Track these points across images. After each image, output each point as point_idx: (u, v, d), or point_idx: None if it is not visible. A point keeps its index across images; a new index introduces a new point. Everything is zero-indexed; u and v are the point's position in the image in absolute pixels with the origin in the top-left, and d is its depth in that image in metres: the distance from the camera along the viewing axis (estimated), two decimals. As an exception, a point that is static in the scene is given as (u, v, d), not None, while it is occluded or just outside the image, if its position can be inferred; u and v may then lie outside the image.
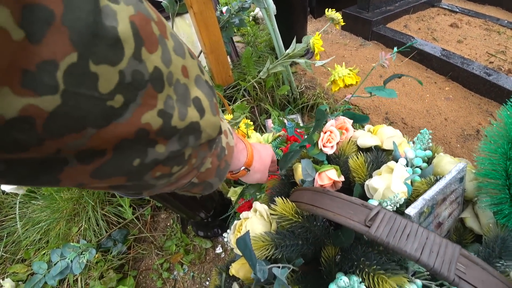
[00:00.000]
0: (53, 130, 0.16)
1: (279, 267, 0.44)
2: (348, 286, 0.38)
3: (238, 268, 0.51)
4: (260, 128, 1.39)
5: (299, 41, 1.69)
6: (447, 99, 1.45)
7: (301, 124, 1.44)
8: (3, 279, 1.09)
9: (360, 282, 0.37)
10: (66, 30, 0.15)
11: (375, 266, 0.39)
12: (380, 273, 0.38)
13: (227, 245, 1.09)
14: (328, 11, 1.13)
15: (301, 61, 1.09)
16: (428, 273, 0.50)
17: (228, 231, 1.04)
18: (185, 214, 0.90)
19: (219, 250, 1.10)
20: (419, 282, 0.48)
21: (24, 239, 1.19)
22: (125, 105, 0.18)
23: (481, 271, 0.37)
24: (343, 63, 0.92)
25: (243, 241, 0.39)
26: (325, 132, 0.64)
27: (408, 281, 0.39)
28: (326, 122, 0.67)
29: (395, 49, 0.71)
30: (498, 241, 0.47)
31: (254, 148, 0.50)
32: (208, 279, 1.03)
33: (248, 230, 0.40)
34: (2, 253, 1.18)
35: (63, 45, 0.15)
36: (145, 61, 0.19)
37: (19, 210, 1.25)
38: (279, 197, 0.49)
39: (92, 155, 0.19)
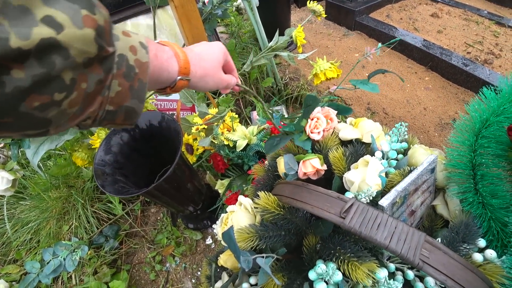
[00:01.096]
0: None
1: (263, 257, 0.47)
2: (325, 272, 0.42)
3: (226, 259, 0.54)
4: (246, 121, 1.42)
5: (282, 31, 1.70)
6: (427, 89, 1.51)
7: (285, 114, 1.47)
8: None
9: (336, 269, 0.40)
10: None
11: (349, 254, 0.43)
12: (353, 260, 0.42)
13: (216, 236, 1.13)
14: (310, 2, 1.14)
15: (284, 54, 1.11)
16: (401, 257, 0.55)
17: (217, 222, 1.08)
18: (174, 208, 0.92)
19: (209, 241, 1.13)
20: (392, 265, 0.52)
21: (15, 239, 1.18)
22: None
23: (443, 255, 0.41)
24: (324, 56, 0.94)
25: (228, 235, 0.42)
26: (312, 119, 0.67)
27: (378, 266, 0.43)
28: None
29: (380, 44, 0.73)
30: (462, 226, 0.52)
31: (190, 51, 0.43)
32: (200, 269, 1.07)
33: (232, 225, 0.43)
34: None
35: None
36: None
37: (6, 211, 1.25)
38: (262, 192, 0.52)
39: None
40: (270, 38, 1.39)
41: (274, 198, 0.51)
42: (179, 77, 0.40)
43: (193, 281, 1.06)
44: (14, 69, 0.21)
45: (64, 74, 0.24)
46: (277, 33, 1.19)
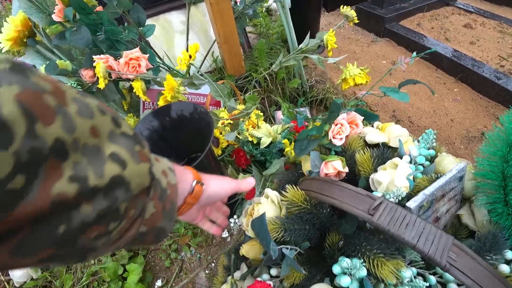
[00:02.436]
0: None
1: (287, 248, 0.48)
2: (350, 266, 0.42)
3: (249, 249, 0.56)
4: (270, 119, 1.43)
5: (312, 35, 1.71)
6: (455, 100, 1.48)
7: (308, 115, 1.47)
8: None
9: (362, 263, 0.41)
10: None
11: (375, 250, 0.43)
12: (380, 256, 0.43)
13: (232, 230, 1.15)
14: (343, 7, 1.15)
15: (314, 57, 1.12)
16: (423, 262, 0.54)
17: (234, 216, 1.09)
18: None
19: (225, 234, 1.15)
20: (414, 270, 0.52)
21: None
22: (28, 183, 0.18)
23: (471, 260, 0.41)
24: (355, 62, 0.94)
25: (259, 222, 0.43)
26: (336, 125, 0.67)
27: (404, 266, 0.43)
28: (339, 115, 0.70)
29: (414, 54, 0.73)
30: (490, 236, 0.51)
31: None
32: (214, 261, 1.09)
33: (264, 212, 0.45)
34: None
35: None
36: (42, 136, 0.19)
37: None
38: (290, 185, 0.53)
39: (5, 235, 0.19)
40: (299, 41, 1.40)
41: (301, 192, 0.52)
42: (195, 182, 0.41)
43: (207, 271, 1.08)
44: (83, 204, 0.22)
45: (121, 206, 0.25)
46: (308, 36, 1.20)
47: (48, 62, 1.21)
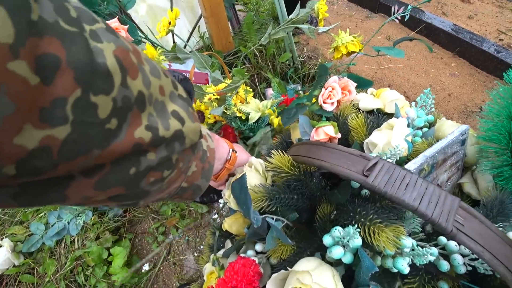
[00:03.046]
0: (66, 155, 0.19)
1: (273, 218, 0.43)
2: (343, 235, 0.37)
3: (231, 223, 0.51)
4: (260, 97, 1.37)
5: (302, 6, 1.63)
6: (452, 75, 1.42)
7: (300, 92, 1.41)
8: (1, 239, 1.10)
9: (356, 229, 0.35)
10: (71, 71, 0.18)
11: (371, 216, 0.38)
12: (377, 222, 0.37)
13: (222, 210, 1.09)
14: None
15: (305, 27, 1.05)
16: (423, 234, 0.49)
17: (222, 196, 1.04)
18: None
19: (214, 215, 1.10)
20: (414, 242, 0.47)
21: None
22: (119, 126, 0.22)
23: (480, 224, 0.36)
24: (347, 29, 0.88)
25: (239, 184, 0.38)
26: (326, 88, 0.62)
27: (405, 233, 0.38)
28: (327, 79, 0.64)
29: (410, 6, 0.67)
30: (496, 202, 0.46)
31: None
32: (203, 243, 1.04)
33: (245, 172, 0.39)
34: (1, 215, 1.19)
35: (69, 84, 0.18)
36: (131, 87, 0.22)
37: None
38: (275, 150, 0.47)
39: (94, 169, 0.23)
40: (289, 13, 1.33)
41: (288, 157, 0.46)
42: (231, 150, 0.49)
43: (195, 254, 1.03)
44: (150, 152, 0.26)
45: (173, 156, 0.29)
46: (298, 5, 1.13)
47: None
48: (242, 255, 0.46)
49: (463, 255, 0.43)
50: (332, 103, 0.60)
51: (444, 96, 1.31)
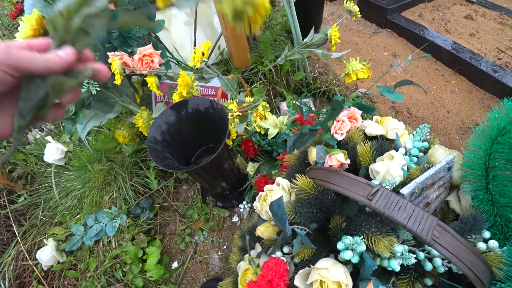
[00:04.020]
0: None
1: (298, 228, 0.57)
2: (352, 242, 0.51)
3: (263, 230, 0.64)
4: (275, 110, 1.50)
5: (315, 25, 1.76)
6: (452, 92, 1.54)
7: (313, 108, 1.54)
8: (45, 239, 1.24)
9: (362, 239, 0.49)
10: None
11: (373, 229, 0.52)
12: (376, 234, 0.51)
13: (242, 214, 1.24)
14: (346, 2, 1.20)
15: (318, 51, 1.18)
16: (414, 241, 0.63)
17: (243, 202, 1.18)
18: (208, 185, 1.03)
19: (235, 219, 1.24)
20: (406, 247, 0.61)
21: (60, 205, 1.33)
22: None
23: (451, 237, 0.50)
24: (357, 57, 1.00)
25: (277, 204, 0.51)
26: (338, 121, 0.75)
27: (397, 242, 0.51)
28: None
29: (410, 57, 0.80)
30: (471, 218, 0.59)
31: None
32: (226, 243, 1.18)
33: (282, 196, 0.53)
34: (41, 217, 1.33)
35: None
36: None
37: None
38: (299, 174, 0.61)
39: None
40: (302, 31, 1.46)
41: (309, 180, 0.60)
42: None
43: (219, 253, 1.18)
44: None
45: None
46: (312, 30, 1.26)
47: None
48: (273, 255, 0.60)
49: (443, 259, 0.56)
50: (342, 134, 0.73)
51: (443, 113, 1.43)
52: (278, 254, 0.62)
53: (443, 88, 1.56)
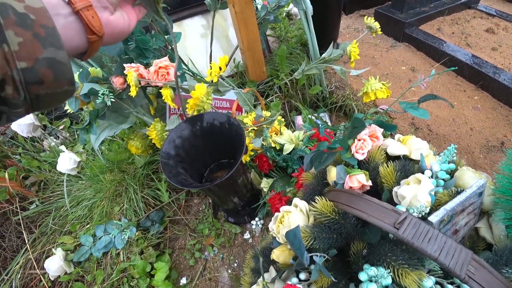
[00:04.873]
0: None
1: (317, 255, 0.53)
2: (377, 275, 0.47)
3: (279, 254, 0.61)
4: (289, 124, 1.47)
5: (331, 38, 1.73)
6: (475, 109, 1.48)
7: (329, 122, 1.51)
8: (54, 247, 1.23)
9: (388, 273, 0.45)
10: None
11: (400, 261, 0.48)
12: (404, 267, 0.47)
13: (254, 231, 1.20)
14: (367, 18, 1.17)
15: (337, 68, 1.15)
16: (441, 272, 0.58)
17: (256, 218, 1.14)
18: (221, 200, 1.00)
19: (247, 235, 1.20)
20: (433, 278, 0.56)
21: (71, 213, 1.32)
22: None
23: (488, 273, 0.45)
24: (378, 76, 0.97)
25: (293, 233, 0.48)
26: (359, 140, 0.71)
27: (426, 276, 0.47)
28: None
29: (433, 71, 0.76)
30: (506, 251, 0.54)
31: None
32: (237, 261, 1.14)
33: (299, 225, 0.50)
34: (52, 225, 1.32)
35: None
36: None
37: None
38: (319, 196, 0.58)
39: None
40: (318, 44, 1.44)
41: (330, 203, 0.57)
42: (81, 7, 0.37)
43: (229, 271, 1.14)
44: None
45: None
46: (331, 46, 1.24)
47: (81, 69, 1.28)
48: (289, 282, 0.56)
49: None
50: (363, 153, 0.70)
51: (466, 130, 1.38)
52: (294, 280, 0.58)
53: (465, 104, 1.51)
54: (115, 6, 0.43)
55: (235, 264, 1.14)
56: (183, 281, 1.14)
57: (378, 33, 1.17)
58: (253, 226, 1.17)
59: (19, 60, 0.29)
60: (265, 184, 1.08)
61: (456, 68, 0.74)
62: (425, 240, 0.46)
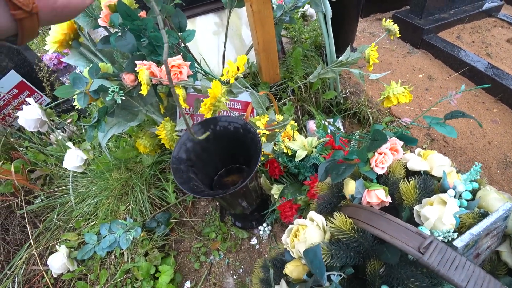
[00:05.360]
0: None
1: (334, 274, 0.51)
2: (399, 303, 0.44)
3: (292, 269, 0.58)
4: (301, 129, 1.44)
5: (348, 42, 1.69)
6: (494, 122, 1.44)
7: (342, 129, 1.47)
8: (58, 244, 1.22)
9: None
10: None
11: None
12: (429, 296, 0.44)
13: (261, 237, 1.18)
14: (385, 21, 1.14)
15: (355, 71, 1.12)
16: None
17: (264, 224, 1.12)
18: (230, 205, 0.98)
19: (254, 241, 1.18)
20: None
21: (75, 210, 1.30)
22: None
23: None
24: (399, 80, 0.94)
25: (313, 252, 0.45)
26: (380, 154, 0.68)
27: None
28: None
29: (463, 86, 0.72)
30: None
31: None
32: (243, 267, 1.12)
33: (319, 244, 0.47)
34: (56, 221, 1.31)
35: None
36: None
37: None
38: (338, 212, 0.55)
39: None
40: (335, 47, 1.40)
41: (349, 220, 0.54)
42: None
43: (234, 277, 1.11)
44: None
45: None
46: (348, 48, 1.20)
47: (91, 65, 1.27)
48: (302, 300, 0.54)
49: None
50: (383, 168, 0.67)
51: (484, 144, 1.33)
52: (308, 298, 0.55)
53: (484, 117, 1.46)
54: None
55: (241, 270, 1.12)
56: (187, 284, 1.12)
57: (397, 36, 1.13)
58: (261, 232, 1.15)
59: None
60: (275, 190, 1.06)
61: (490, 85, 0.70)
62: (451, 267, 0.44)
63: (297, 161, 1.05)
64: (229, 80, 1.07)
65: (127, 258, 1.15)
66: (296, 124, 1.22)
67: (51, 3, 0.33)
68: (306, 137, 1.20)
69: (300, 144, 1.10)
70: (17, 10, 0.29)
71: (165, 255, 1.17)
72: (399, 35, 1.16)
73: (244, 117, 1.19)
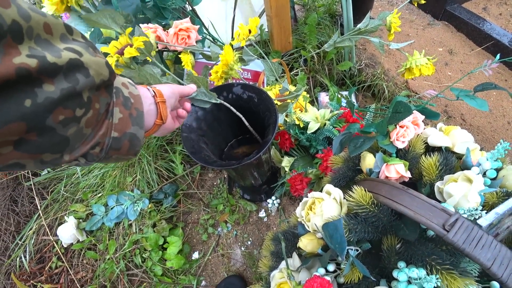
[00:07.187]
0: None
1: (351, 249, 0.49)
2: (421, 278, 0.43)
3: (307, 243, 0.57)
4: (312, 101, 1.40)
5: (365, 11, 1.60)
6: (515, 100, 1.38)
7: (355, 102, 1.43)
8: (66, 215, 1.23)
9: (437, 278, 0.41)
10: None
11: (447, 266, 0.43)
12: (452, 272, 0.43)
13: (270, 210, 1.17)
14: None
15: (375, 40, 1.06)
16: (477, 276, 0.54)
17: (272, 197, 1.11)
18: (241, 177, 0.96)
19: (262, 214, 1.17)
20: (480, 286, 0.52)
21: (82, 181, 1.31)
22: None
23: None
24: (423, 50, 0.88)
25: (334, 227, 0.44)
26: (402, 127, 0.65)
27: (475, 284, 0.43)
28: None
29: (497, 56, 0.67)
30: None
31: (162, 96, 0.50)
32: (250, 239, 1.13)
33: (341, 218, 0.45)
34: (63, 192, 1.32)
35: None
36: (1, 14, 0.21)
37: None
38: (357, 186, 0.53)
39: None
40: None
41: (369, 194, 0.52)
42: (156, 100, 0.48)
43: (242, 249, 1.12)
44: (45, 83, 0.25)
45: (83, 92, 0.28)
46: (368, 15, 1.13)
47: (92, 29, 1.20)
48: (316, 273, 0.53)
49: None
50: (404, 142, 0.64)
51: (503, 123, 1.28)
52: (322, 271, 0.55)
53: (505, 95, 1.40)
54: (175, 109, 0.59)
55: (249, 242, 1.13)
56: (196, 255, 1.14)
57: (421, 3, 1.06)
58: (269, 205, 1.15)
59: (114, 131, 0.36)
60: (286, 163, 1.04)
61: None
62: (478, 246, 0.42)
63: (309, 134, 1.02)
64: (239, 47, 1.01)
65: (135, 229, 1.16)
66: (308, 96, 1.17)
67: (165, 125, 0.52)
68: (318, 109, 1.16)
69: (313, 116, 1.06)
70: (160, 120, 0.48)
71: (173, 227, 1.18)
72: (424, 1, 1.09)
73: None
